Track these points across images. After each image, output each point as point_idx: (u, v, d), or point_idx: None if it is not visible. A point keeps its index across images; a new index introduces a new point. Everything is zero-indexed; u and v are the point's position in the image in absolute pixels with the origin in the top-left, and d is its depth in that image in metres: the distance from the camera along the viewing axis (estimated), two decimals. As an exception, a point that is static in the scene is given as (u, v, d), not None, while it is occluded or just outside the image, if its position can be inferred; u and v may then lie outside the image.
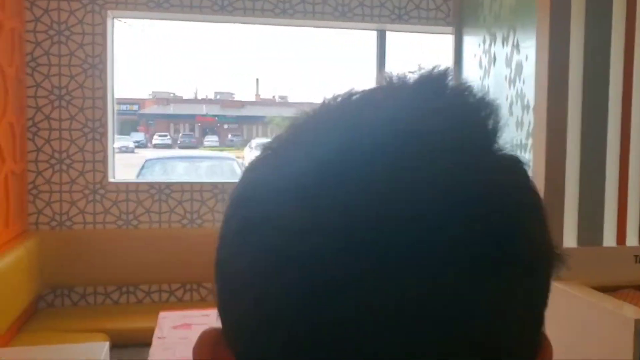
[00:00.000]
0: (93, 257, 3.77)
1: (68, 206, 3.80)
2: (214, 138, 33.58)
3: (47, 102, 3.73)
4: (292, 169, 0.29)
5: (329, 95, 0.32)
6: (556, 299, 1.28)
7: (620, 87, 1.97)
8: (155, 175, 6.58)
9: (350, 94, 0.30)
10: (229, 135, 34.71)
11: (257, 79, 55.79)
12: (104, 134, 3.82)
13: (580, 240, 1.98)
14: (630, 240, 2.03)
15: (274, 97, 40.69)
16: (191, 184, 4.03)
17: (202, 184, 4.04)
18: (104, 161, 3.83)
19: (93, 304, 3.88)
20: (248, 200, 0.31)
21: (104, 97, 3.80)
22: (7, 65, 3.28)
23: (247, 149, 21.66)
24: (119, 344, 3.35)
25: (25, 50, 3.64)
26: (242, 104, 38.49)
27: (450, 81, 0.29)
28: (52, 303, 3.82)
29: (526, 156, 2.50)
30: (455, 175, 0.26)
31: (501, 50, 3.52)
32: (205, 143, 32.14)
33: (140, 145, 28.58)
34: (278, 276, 0.27)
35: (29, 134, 3.72)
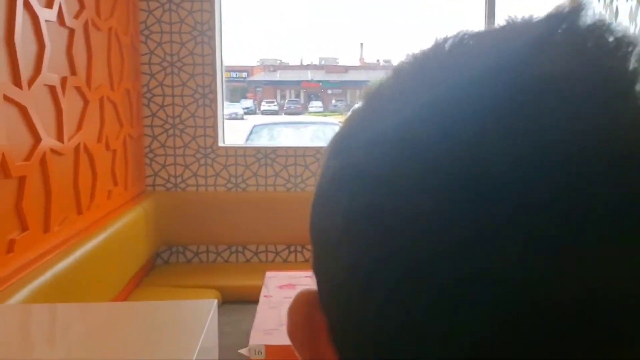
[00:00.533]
0: (205, 217, 3.95)
1: (182, 169, 3.99)
2: (318, 104, 33.94)
3: (160, 69, 3.89)
4: (399, 115, 0.25)
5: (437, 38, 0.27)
6: None
7: None
8: (262, 141, 6.74)
9: (464, 35, 0.26)
10: (333, 101, 34.94)
11: (361, 44, 55.35)
12: (213, 100, 3.94)
13: None
14: None
15: (377, 61, 40.27)
16: (295, 148, 4.08)
17: (305, 148, 4.08)
18: (214, 126, 3.96)
19: (205, 261, 4.08)
20: (345, 149, 0.27)
21: (212, 64, 3.91)
22: (123, 34, 3.45)
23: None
24: (229, 300, 3.52)
25: (139, 18, 3.81)
26: (345, 69, 38.50)
27: (585, 18, 0.24)
28: (167, 260, 4.05)
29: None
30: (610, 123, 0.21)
31: (624, 4, 3.23)
32: (310, 109, 32.57)
33: (249, 111, 29.47)
34: (376, 234, 0.24)
35: (144, 100, 3.91)
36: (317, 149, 4.10)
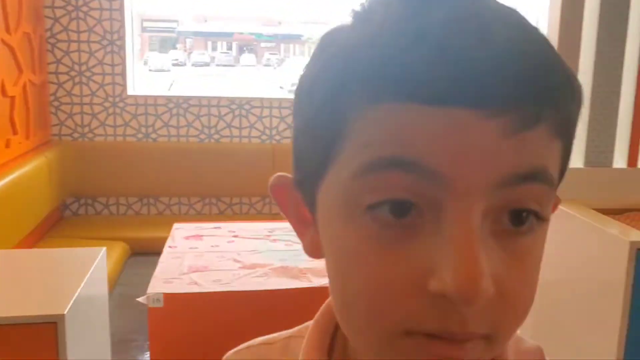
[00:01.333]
0: (114, 168, 3.85)
1: (89, 118, 3.85)
2: (251, 56, 33.27)
3: (65, 13, 3.70)
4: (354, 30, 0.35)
5: None
6: (558, 220, 1.24)
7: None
8: (184, 92, 6.59)
9: None
10: (266, 54, 34.33)
11: (296, -4, 54.34)
12: (122, 47, 3.79)
13: (588, 161, 1.90)
14: (643, 162, 1.95)
15: (312, 15, 39.75)
16: (208, 98, 4.01)
17: (219, 98, 4.02)
18: (123, 74, 3.83)
19: (116, 213, 4.00)
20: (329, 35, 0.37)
21: (121, 9, 3.75)
22: (20, -27, 3.24)
23: (282, 67, 21.42)
24: (138, 252, 3.48)
25: (40, -43, 3.58)
26: (279, 22, 37.82)
27: None
28: (76, 212, 3.95)
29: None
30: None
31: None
32: (242, 61, 31.91)
33: (179, 63, 28.56)
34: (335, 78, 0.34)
35: (47, 46, 3.72)
36: (231, 99, 4.05)
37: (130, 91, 3.89)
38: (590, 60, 1.86)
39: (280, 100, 4.21)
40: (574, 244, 1.76)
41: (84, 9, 3.71)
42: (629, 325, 1.53)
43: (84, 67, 3.79)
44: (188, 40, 35.11)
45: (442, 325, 0.32)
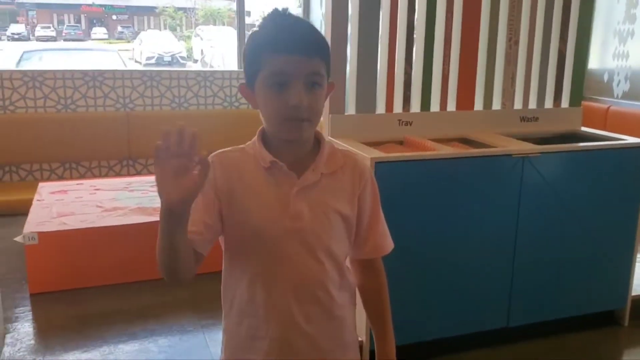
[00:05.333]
0: (-27, 140, 4.10)
1: (-57, 93, 4.05)
2: (102, 30, 31.90)
3: None
4: (259, 29, 1.12)
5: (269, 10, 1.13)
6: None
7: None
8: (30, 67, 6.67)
9: (272, 13, 1.11)
10: (119, 27, 33.10)
11: (148, -34, 52.28)
12: (-27, 24, 4.02)
13: (358, 109, 2.64)
14: (396, 109, 2.73)
15: (165, -14, 38.71)
16: (63, 71, 4.37)
17: (73, 71, 4.39)
18: (-24, 50, 4.06)
19: (-23, 182, 4.26)
20: (250, 37, 1.14)
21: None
22: None
23: (136, 41, 21.02)
24: (5, 214, 3.79)
25: None
26: (131, -6, 36.44)
27: (289, 11, 1.11)
28: (-64, 182, 4.15)
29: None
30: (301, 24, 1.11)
31: None
32: (93, 35, 30.54)
33: (21, 37, 26.76)
34: (252, 45, 1.11)
35: None
36: (84, 72, 4.43)
37: (-16, 66, 4.13)
38: (355, 36, 2.60)
39: (131, 72, 4.66)
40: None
41: None
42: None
43: None
44: (30, 13, 32.86)
45: (295, 115, 1.07)
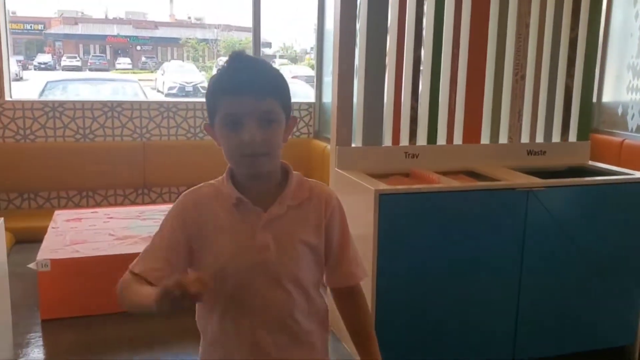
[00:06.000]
0: (-6, 167, 4.21)
1: (-33, 122, 4.19)
2: (127, 60, 32.61)
3: (-60, 25, 4.03)
4: (217, 73, 1.19)
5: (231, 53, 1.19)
6: (343, 183, 2.14)
7: (395, 28, 2.65)
8: (57, 97, 6.84)
9: (231, 57, 1.17)
10: (143, 58, 33.82)
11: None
12: (-2, 57, 4.18)
13: (365, 141, 2.69)
14: (403, 142, 2.77)
15: (189, 18, 39.61)
16: (83, 102, 4.49)
17: (93, 102, 4.51)
18: (0, 81, 4.21)
19: (-4, 208, 4.36)
20: (211, 82, 1.21)
21: (-5, 22, 4.14)
22: None
23: (159, 72, 21.44)
24: (21, 240, 3.87)
25: None
26: (155, 25, 37.28)
27: (246, 53, 1.20)
28: (-43, 208, 4.27)
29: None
30: (259, 64, 1.18)
31: None
32: (117, 65, 31.22)
33: (47, 67, 27.44)
34: (211, 88, 1.19)
35: None
36: (103, 103, 4.55)
37: (7, 97, 4.28)
38: (362, 69, 2.65)
39: (149, 102, 4.77)
40: (352, 197, 2.52)
41: (-41, 21, 4.06)
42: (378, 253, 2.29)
43: (-40, 75, 4.13)
44: (57, 43, 33.75)
45: (250, 151, 1.11)
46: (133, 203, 4.65)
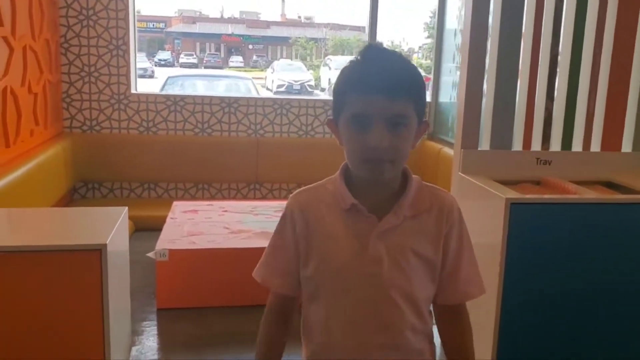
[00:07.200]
0: (119, 157, 4.43)
1: (97, 113, 4.42)
2: (239, 58, 33.77)
3: (77, 22, 4.27)
4: (348, 65, 1.08)
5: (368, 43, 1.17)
6: (468, 188, 2.01)
7: (532, 25, 2.44)
8: (172, 91, 7.12)
9: (364, 48, 1.06)
10: (254, 56, 34.89)
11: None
12: (126, 51, 4.37)
13: (493, 144, 2.51)
14: (534, 146, 2.56)
15: (299, 17, 40.38)
16: (202, 97, 4.61)
17: (212, 97, 4.62)
18: (127, 75, 4.41)
19: (119, 197, 4.58)
20: (341, 72, 1.09)
21: (126, 18, 4.33)
22: (43, -11, 3.81)
23: (268, 70, 21.96)
24: (142, 228, 4.03)
25: (57, -26, 4.15)
26: (267, 25, 38.34)
27: (382, 45, 1.11)
28: (84, 195, 4.52)
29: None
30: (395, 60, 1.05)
31: None
32: (230, 63, 32.41)
33: (167, 63, 28.99)
34: (340, 82, 1.08)
35: (61, 49, 4.29)
36: (222, 98, 4.64)
37: (133, 90, 4.47)
38: (493, 69, 2.48)
39: (264, 99, 4.82)
40: (477, 204, 2.36)
41: (94, 17, 4.29)
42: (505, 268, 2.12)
43: (92, 69, 4.36)
44: (176, 42, 35.55)
45: (375, 156, 1.02)
46: (245, 198, 4.71)
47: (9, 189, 2.99)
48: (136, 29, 4.61)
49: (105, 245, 1.94)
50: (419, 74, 1.07)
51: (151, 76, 19.93)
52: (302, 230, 1.12)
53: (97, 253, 1.94)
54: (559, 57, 2.53)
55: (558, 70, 2.53)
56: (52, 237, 2.04)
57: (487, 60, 2.47)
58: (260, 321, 1.23)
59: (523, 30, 2.48)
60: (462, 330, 1.19)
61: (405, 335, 1.10)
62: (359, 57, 1.06)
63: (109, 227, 2.11)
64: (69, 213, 2.42)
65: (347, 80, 1.06)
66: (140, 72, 18.23)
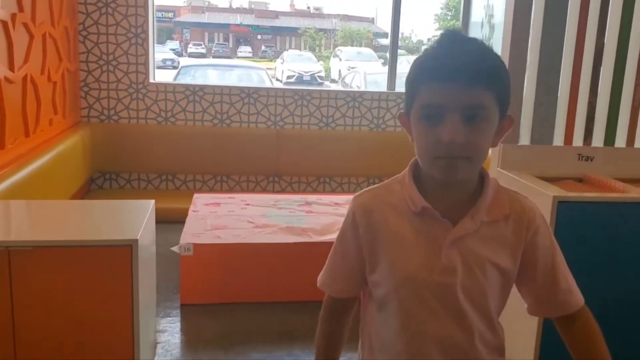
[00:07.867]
0: (136, 147, 4.35)
1: (115, 102, 4.34)
2: (248, 48, 33.54)
3: (96, 9, 4.19)
4: (423, 53, 1.00)
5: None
6: (508, 185, 1.84)
7: (576, 14, 2.34)
8: (190, 81, 7.03)
9: (440, 35, 0.97)
10: (262, 46, 34.66)
11: (293, -11, 54.47)
12: (145, 40, 4.29)
13: (533, 139, 2.41)
14: (576, 142, 2.46)
15: (308, 8, 40.09)
16: (222, 87, 4.52)
17: (231, 87, 4.52)
18: (146, 64, 4.32)
19: (137, 188, 4.50)
20: (414, 61, 0.99)
21: (145, 6, 4.23)
22: (63, -25, 3.72)
23: (278, 60, 21.80)
24: (160, 220, 3.94)
25: (76, -40, 4.06)
26: (276, 15, 38.08)
27: (460, 31, 1.02)
28: (102, 185, 4.45)
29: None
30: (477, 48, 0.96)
31: None
32: (239, 53, 32.20)
33: (175, 53, 28.82)
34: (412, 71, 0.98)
35: (80, 37, 4.21)
36: (242, 89, 4.55)
37: (151, 79, 4.38)
38: (535, 60, 2.38)
39: (284, 90, 4.72)
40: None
41: (113, 5, 4.20)
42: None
43: (111, 57, 4.28)
44: (185, 31, 35.39)
45: (447, 152, 0.92)
46: (264, 190, 4.63)
47: (29, 180, 2.91)
48: (155, 17, 4.51)
49: (136, 241, 1.86)
50: (501, 61, 0.97)
51: (176, 67, 19.86)
52: (365, 233, 1.04)
53: (127, 249, 1.86)
54: (604, 49, 2.43)
55: (603, 62, 2.43)
56: (82, 232, 1.97)
57: (528, 54, 2.37)
58: (319, 318, 1.17)
59: (567, 20, 2.37)
60: (588, 336, 1.05)
61: (477, 348, 1.01)
62: (435, 44, 0.96)
63: (139, 221, 2.04)
64: (96, 206, 2.34)
65: (419, 68, 0.96)
66: (169, 62, 17.74)
